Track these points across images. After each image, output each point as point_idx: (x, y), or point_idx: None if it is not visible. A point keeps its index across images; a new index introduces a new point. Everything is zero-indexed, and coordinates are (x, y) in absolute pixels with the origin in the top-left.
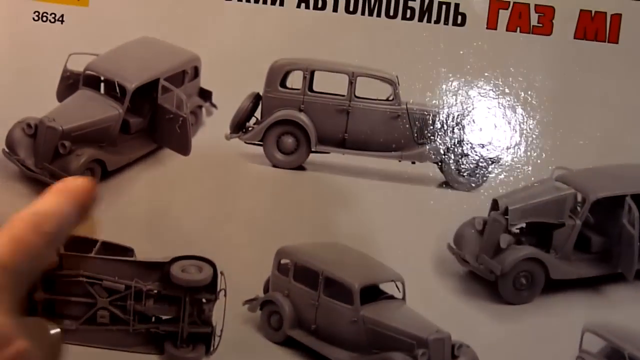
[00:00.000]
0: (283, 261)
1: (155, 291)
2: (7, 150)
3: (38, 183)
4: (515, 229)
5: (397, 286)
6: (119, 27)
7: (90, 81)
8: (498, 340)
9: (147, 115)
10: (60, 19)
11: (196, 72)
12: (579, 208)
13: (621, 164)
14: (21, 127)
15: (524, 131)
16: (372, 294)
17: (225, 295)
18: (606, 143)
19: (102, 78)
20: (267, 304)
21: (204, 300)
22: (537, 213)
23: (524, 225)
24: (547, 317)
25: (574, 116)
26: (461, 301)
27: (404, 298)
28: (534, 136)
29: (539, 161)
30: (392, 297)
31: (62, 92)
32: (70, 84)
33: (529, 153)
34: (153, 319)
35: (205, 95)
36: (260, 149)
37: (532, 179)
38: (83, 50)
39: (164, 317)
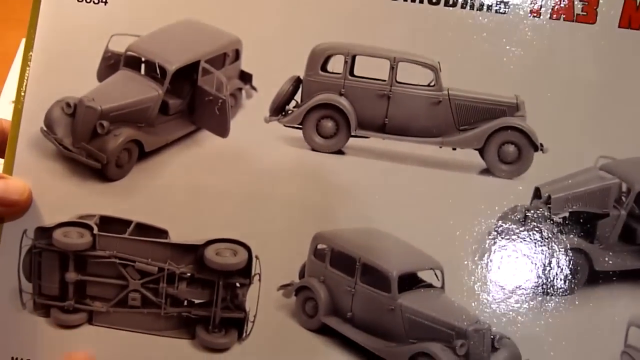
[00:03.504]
0: (320, 246)
1: (189, 274)
2: (45, 129)
3: (75, 162)
4: (558, 218)
5: (435, 274)
6: (162, 9)
7: (131, 62)
8: (540, 333)
9: (187, 97)
10: (104, 0)
11: (237, 54)
12: (623, 198)
13: None
14: (60, 106)
15: (569, 120)
16: (411, 282)
17: (259, 280)
18: None
19: (143, 59)
20: (303, 290)
21: (237, 284)
22: (580, 202)
23: (567, 214)
24: (591, 310)
25: (619, 106)
26: (504, 290)
27: (442, 287)
28: (579, 126)
29: (583, 150)
30: (430, 286)
31: (102, 72)
32: (111, 64)
33: (573, 142)
34: (185, 302)
35: (246, 77)
36: (299, 133)
37: (576, 167)
38: (125, 32)
39: (196, 301)
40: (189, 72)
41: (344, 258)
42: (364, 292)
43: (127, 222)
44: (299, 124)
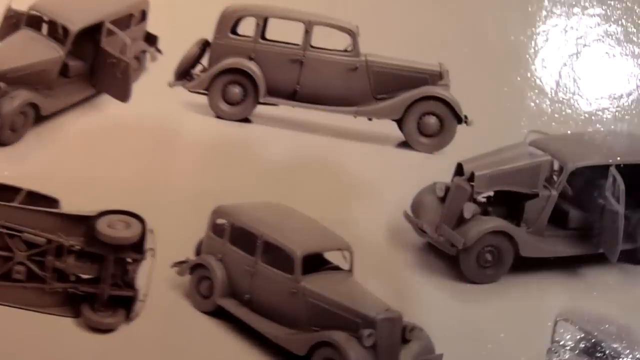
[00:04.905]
0: (219, 221)
1: (78, 247)
2: None
3: None
4: (481, 198)
5: (344, 256)
6: None
7: (34, 22)
8: (457, 324)
9: (89, 59)
10: None
11: (143, 15)
12: (555, 177)
13: (604, 130)
14: None
15: (497, 91)
16: (316, 263)
17: (153, 256)
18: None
19: (45, 19)
20: (198, 268)
21: (129, 260)
22: (507, 181)
23: (491, 194)
24: (514, 301)
25: (551, 77)
26: (416, 277)
27: (351, 270)
28: (507, 97)
29: (512, 123)
30: (337, 268)
31: (3, 31)
32: (13, 23)
33: (501, 114)
34: (73, 278)
35: (151, 39)
36: (204, 99)
37: (504, 142)
38: None
39: (84, 277)
40: (92, 33)
41: (244, 235)
42: (265, 273)
43: (17, 190)
44: (204, 90)
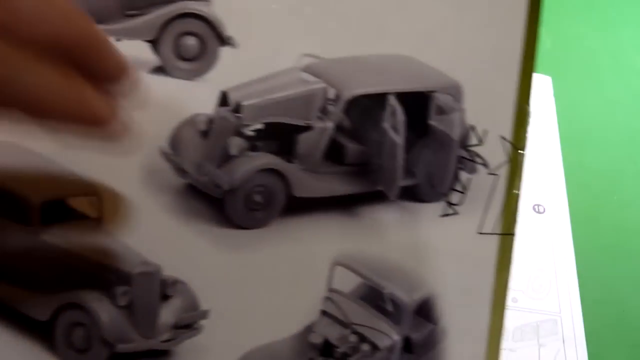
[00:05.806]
0: None
1: None
2: None
3: None
4: (250, 131)
5: (92, 203)
6: None
7: None
8: (224, 274)
9: None
10: None
11: None
12: (330, 107)
13: (384, 54)
14: None
15: (265, 7)
16: (59, 211)
17: None
18: (365, 26)
19: None
20: None
21: None
22: (278, 111)
23: (261, 126)
24: (288, 246)
25: None
26: (176, 224)
27: (100, 218)
28: (277, 14)
29: (282, 46)
30: (84, 217)
31: None
32: None
33: (270, 35)
34: None
35: None
36: None
37: (274, 68)
38: None
39: None
40: None
41: None
42: None
43: None
44: None
